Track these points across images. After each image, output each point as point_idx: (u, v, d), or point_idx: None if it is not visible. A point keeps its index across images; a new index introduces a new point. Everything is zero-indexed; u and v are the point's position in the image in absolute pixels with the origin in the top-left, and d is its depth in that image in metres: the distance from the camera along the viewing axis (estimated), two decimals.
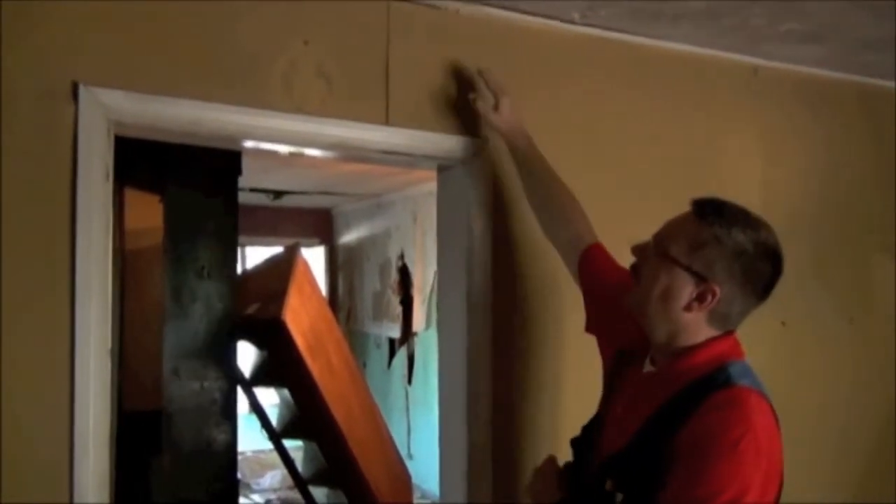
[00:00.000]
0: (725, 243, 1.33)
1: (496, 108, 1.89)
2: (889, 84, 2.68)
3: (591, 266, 1.75)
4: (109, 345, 1.61)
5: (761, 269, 1.36)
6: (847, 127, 2.64)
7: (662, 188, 2.26)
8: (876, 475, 2.62)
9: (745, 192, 2.43)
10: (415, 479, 5.03)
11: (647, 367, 1.46)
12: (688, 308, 1.36)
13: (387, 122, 1.91)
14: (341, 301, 7.42)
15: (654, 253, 1.39)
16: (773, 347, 2.44)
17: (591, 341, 1.82)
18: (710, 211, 1.37)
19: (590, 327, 1.73)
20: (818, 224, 2.58)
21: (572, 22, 2.14)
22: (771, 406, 1.34)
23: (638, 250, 1.44)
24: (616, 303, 1.52)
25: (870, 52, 2.39)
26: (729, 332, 1.41)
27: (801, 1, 1.98)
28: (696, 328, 1.37)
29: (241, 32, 1.75)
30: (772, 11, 2.07)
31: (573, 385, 2.12)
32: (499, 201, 2.04)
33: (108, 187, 1.60)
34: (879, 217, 2.69)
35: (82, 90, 1.57)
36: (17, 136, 1.54)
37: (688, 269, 1.35)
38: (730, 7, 2.03)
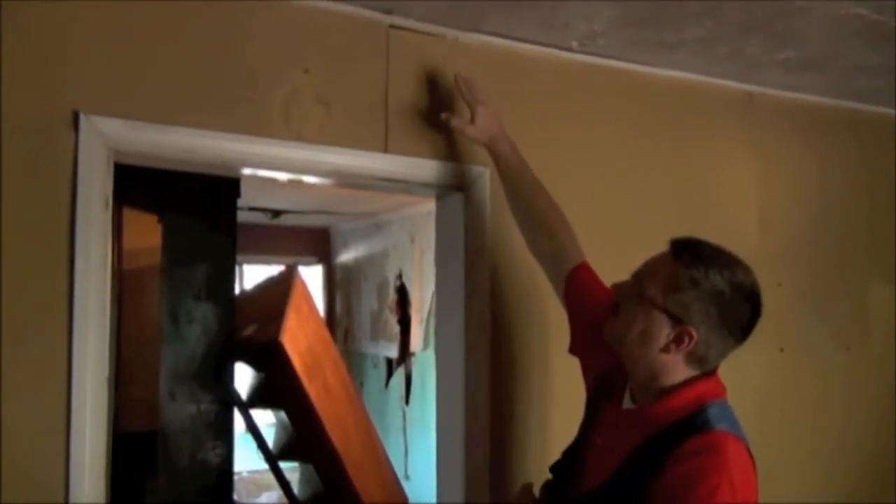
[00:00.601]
0: (702, 286, 1.33)
1: (472, 119, 1.87)
2: (884, 110, 2.70)
3: (577, 288, 1.74)
4: (107, 373, 1.60)
5: (739, 310, 1.35)
6: (843, 153, 2.66)
7: (659, 214, 2.28)
8: (870, 500, 2.61)
9: (741, 218, 2.46)
10: (411, 501, 4.99)
11: (627, 403, 1.45)
12: (665, 349, 1.35)
13: (385, 149, 1.92)
14: (339, 320, 7.40)
15: (633, 292, 1.39)
16: (770, 373, 2.44)
17: (578, 363, 1.83)
18: (688, 252, 1.36)
19: (573, 349, 1.73)
20: (816, 250, 2.58)
21: (570, 50, 2.15)
22: (748, 449, 1.33)
23: (618, 289, 1.44)
24: (600, 327, 1.51)
25: (864, 79, 2.41)
26: (710, 373, 1.40)
27: (797, 30, 2.00)
28: (675, 369, 1.37)
29: (241, 61, 1.77)
30: (767, 40, 2.09)
31: (562, 407, 2.11)
32: (497, 226, 2.04)
33: (107, 215, 1.60)
34: (876, 243, 2.70)
35: (83, 119, 1.58)
36: (17, 163, 1.54)
37: (664, 310, 1.34)
38: (726, 36, 2.05)
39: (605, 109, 2.25)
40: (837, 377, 2.60)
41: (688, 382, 1.37)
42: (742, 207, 2.47)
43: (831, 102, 2.62)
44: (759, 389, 2.40)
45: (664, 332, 1.35)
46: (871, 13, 1.88)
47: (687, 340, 1.33)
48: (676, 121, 2.37)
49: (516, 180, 1.86)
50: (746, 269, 1.38)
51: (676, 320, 1.34)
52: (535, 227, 1.84)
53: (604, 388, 1.55)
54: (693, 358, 1.36)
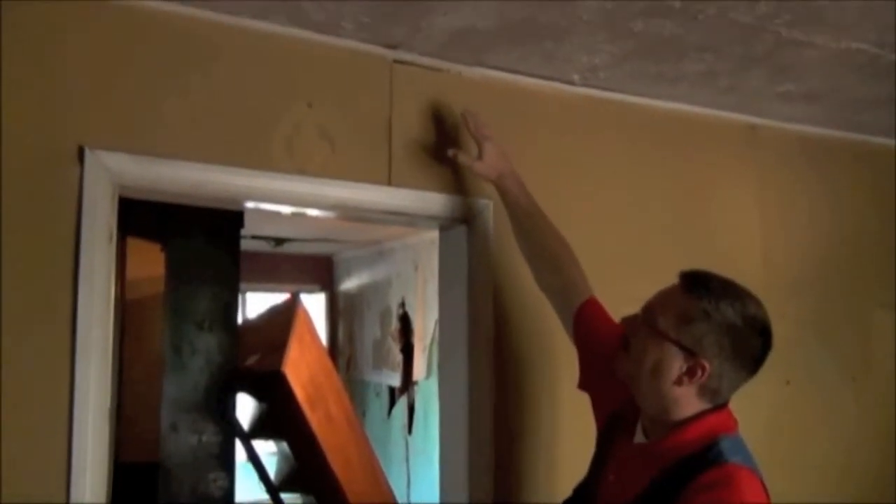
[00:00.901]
0: (714, 318, 1.33)
1: (480, 155, 1.88)
2: (886, 141, 2.71)
3: (586, 323, 1.73)
4: (108, 405, 1.60)
5: (751, 343, 1.35)
6: (845, 184, 2.66)
7: (662, 245, 2.28)
8: None
9: (744, 249, 2.46)
10: None
11: (639, 437, 1.45)
12: (678, 382, 1.35)
13: (389, 182, 1.92)
14: (341, 348, 7.38)
15: (643, 325, 1.39)
16: (777, 406, 2.43)
17: (587, 398, 1.81)
18: (699, 285, 1.36)
19: (583, 384, 1.71)
20: (820, 281, 2.58)
21: (572, 83, 2.17)
22: (762, 481, 1.31)
23: (627, 322, 1.44)
24: (610, 362, 1.51)
25: (865, 111, 2.42)
26: (722, 406, 1.39)
27: (797, 63, 2.01)
28: (687, 402, 1.36)
29: (245, 95, 1.78)
30: (768, 73, 2.10)
31: (569, 440, 2.10)
32: (500, 258, 2.04)
33: (111, 249, 1.60)
34: (880, 273, 2.69)
35: (88, 154, 1.58)
36: (22, 196, 1.55)
37: (677, 343, 1.34)
38: (726, 69, 2.07)
39: (608, 141, 2.26)
40: (844, 409, 2.58)
41: (699, 416, 1.36)
42: (745, 238, 2.47)
43: (833, 134, 2.63)
44: (766, 422, 2.38)
45: (677, 364, 1.34)
46: (871, 47, 1.89)
47: (700, 373, 1.33)
48: (679, 152, 2.38)
49: (523, 216, 1.87)
50: (757, 302, 1.38)
51: (689, 353, 1.33)
52: (543, 262, 1.84)
53: (615, 424, 1.54)
54: (706, 391, 1.35)
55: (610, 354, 1.51)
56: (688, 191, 2.39)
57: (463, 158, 1.89)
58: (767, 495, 1.31)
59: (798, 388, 2.48)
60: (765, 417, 2.38)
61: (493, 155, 1.89)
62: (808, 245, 2.58)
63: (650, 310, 1.40)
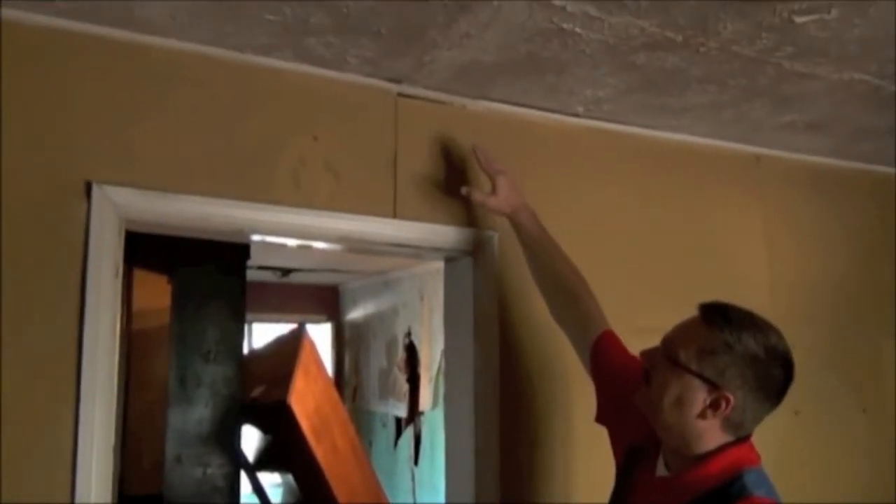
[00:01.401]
0: (736, 350, 1.31)
1: (493, 190, 1.89)
2: (889, 170, 2.71)
3: (603, 356, 1.72)
4: (112, 441, 1.59)
5: (774, 374, 1.34)
6: (852, 213, 2.66)
7: (669, 277, 2.28)
8: None
9: (752, 279, 2.45)
10: None
11: (661, 471, 1.43)
12: (702, 416, 1.33)
13: (394, 215, 1.93)
14: (347, 378, 7.35)
15: (664, 358, 1.37)
16: (785, 437, 2.40)
17: (601, 430, 1.79)
18: (719, 316, 1.35)
19: (600, 417, 1.69)
20: (829, 312, 2.56)
21: (576, 115, 2.18)
22: None
23: (647, 356, 1.42)
24: (628, 395, 1.49)
25: (869, 141, 2.43)
26: (744, 438, 1.37)
27: (800, 94, 2.02)
28: (710, 435, 1.35)
29: (251, 129, 1.80)
30: (772, 104, 2.11)
31: (583, 474, 2.08)
32: (506, 289, 2.04)
33: (118, 284, 1.61)
34: (889, 304, 2.67)
35: (95, 189, 1.60)
36: (29, 231, 1.56)
37: (699, 376, 1.33)
38: (730, 100, 2.08)
39: (612, 172, 2.27)
40: (855, 440, 2.55)
41: (723, 448, 1.35)
42: (752, 269, 2.46)
43: (837, 163, 2.63)
44: (775, 453, 2.34)
45: (700, 397, 1.33)
46: (873, 78, 1.90)
47: (724, 406, 1.31)
48: (684, 183, 2.38)
49: (539, 250, 1.87)
50: (778, 333, 1.37)
51: (712, 385, 1.32)
52: (559, 296, 1.84)
53: (635, 456, 1.52)
54: (729, 424, 1.34)
55: (628, 388, 1.50)
56: (693, 221, 2.39)
57: (476, 195, 1.89)
58: None
59: (808, 419, 2.45)
60: (774, 448, 2.35)
61: (507, 189, 1.89)
62: (815, 275, 2.57)
63: (670, 343, 1.38)
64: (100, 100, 1.65)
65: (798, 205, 2.58)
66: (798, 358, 2.30)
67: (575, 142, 2.21)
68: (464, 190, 1.91)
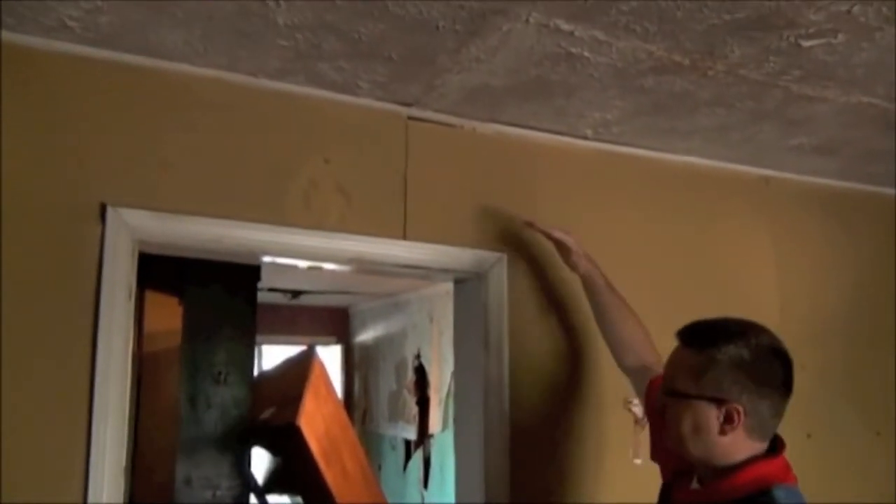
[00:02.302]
0: (723, 361, 1.35)
1: (566, 248, 1.94)
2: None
3: (653, 398, 1.75)
4: (124, 463, 1.60)
5: (768, 369, 1.37)
6: (862, 234, 2.65)
7: (677, 299, 2.27)
8: None
9: (761, 302, 2.44)
10: None
11: (695, 485, 1.46)
12: (722, 433, 1.35)
13: (404, 236, 1.94)
14: (357, 401, 7.33)
15: (666, 396, 1.42)
16: (798, 459, 2.36)
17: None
18: (695, 337, 1.40)
19: (654, 456, 1.72)
20: (839, 333, 2.55)
21: (585, 138, 2.20)
22: None
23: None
24: None
25: (877, 163, 2.43)
26: (775, 454, 1.39)
27: (808, 117, 2.03)
28: (738, 448, 1.36)
29: (263, 152, 1.82)
30: (780, 127, 2.12)
31: (593, 495, 2.07)
32: (515, 311, 2.04)
33: (131, 306, 1.63)
34: None
35: (110, 211, 1.62)
36: (44, 253, 1.59)
37: (702, 397, 1.36)
38: (738, 123, 2.09)
39: (621, 195, 2.28)
40: (868, 463, 2.52)
41: (753, 461, 1.36)
42: (762, 291, 2.46)
43: (846, 185, 2.64)
44: None
45: (713, 416, 1.35)
46: (881, 101, 1.91)
47: (737, 416, 1.34)
48: (693, 205, 2.39)
49: (610, 306, 1.92)
50: (757, 330, 1.41)
51: (718, 401, 1.35)
52: (625, 348, 1.90)
53: (676, 478, 1.55)
54: (752, 430, 1.36)
55: None
56: (703, 243, 2.39)
57: (557, 234, 1.95)
58: None
59: (820, 442, 2.43)
60: None
61: (579, 248, 1.95)
62: (826, 296, 2.56)
63: (666, 379, 1.44)
64: (115, 123, 1.68)
65: (807, 226, 2.57)
66: (809, 380, 2.30)
67: (584, 164, 2.23)
68: (529, 223, 1.97)
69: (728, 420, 1.34)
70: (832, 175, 2.57)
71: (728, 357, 1.35)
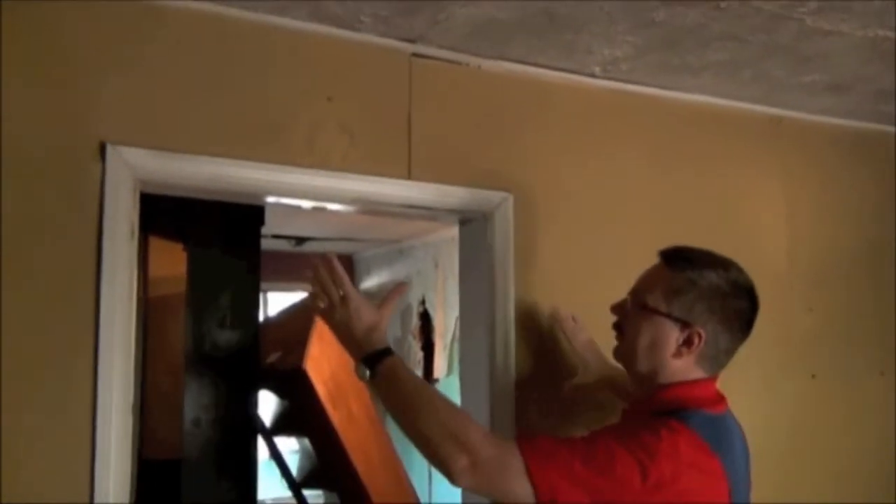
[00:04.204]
0: (701, 285, 1.38)
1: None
2: None
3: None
4: (132, 401, 1.61)
5: (739, 306, 1.40)
6: (873, 176, 2.62)
7: (685, 239, 2.24)
8: None
9: (770, 244, 2.43)
10: None
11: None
12: (677, 354, 1.39)
13: (409, 176, 1.92)
14: None
15: (633, 307, 1.44)
16: (803, 401, 2.39)
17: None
18: (679, 258, 1.43)
19: None
20: (846, 275, 2.53)
21: (593, 76, 2.15)
22: (724, 471, 1.31)
23: (617, 308, 1.50)
24: None
25: (891, 103, 2.38)
26: (711, 378, 1.42)
27: (821, 53, 1.98)
28: (684, 371, 1.40)
29: (265, 91, 1.78)
30: (793, 63, 2.07)
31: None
32: (521, 251, 2.03)
33: (133, 245, 1.61)
34: None
35: (109, 150, 1.59)
36: (44, 193, 1.56)
37: (669, 316, 1.39)
38: (750, 59, 2.04)
39: (629, 135, 2.24)
40: (871, 403, 2.53)
41: (682, 382, 1.40)
42: (770, 233, 2.44)
43: (859, 125, 2.59)
44: (791, 417, 2.35)
45: (673, 336, 1.39)
46: None
47: (697, 341, 1.38)
48: (702, 145, 2.35)
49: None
50: (738, 268, 1.44)
51: (683, 324, 1.38)
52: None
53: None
54: (704, 359, 1.40)
55: None
56: (711, 184, 2.36)
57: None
58: (725, 485, 1.31)
59: (824, 383, 2.44)
60: (790, 412, 2.35)
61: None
62: (834, 238, 2.54)
63: (637, 291, 1.46)
64: (113, 61, 1.64)
65: (818, 167, 2.54)
66: (815, 321, 2.30)
67: (591, 103, 2.18)
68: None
69: (687, 343, 1.38)
70: (845, 114, 2.52)
71: (707, 283, 1.38)
